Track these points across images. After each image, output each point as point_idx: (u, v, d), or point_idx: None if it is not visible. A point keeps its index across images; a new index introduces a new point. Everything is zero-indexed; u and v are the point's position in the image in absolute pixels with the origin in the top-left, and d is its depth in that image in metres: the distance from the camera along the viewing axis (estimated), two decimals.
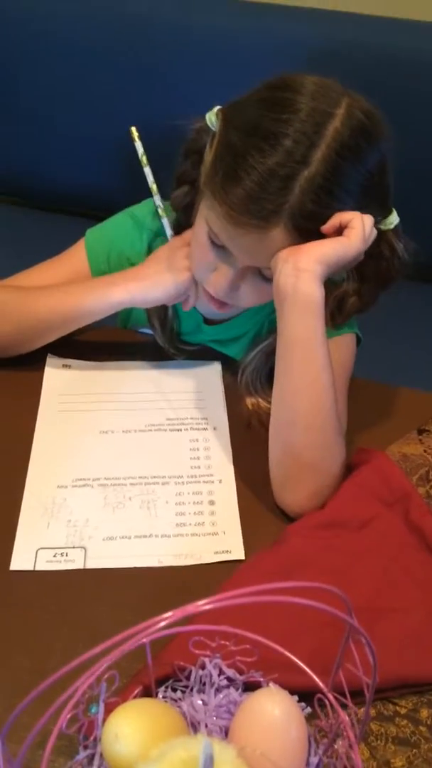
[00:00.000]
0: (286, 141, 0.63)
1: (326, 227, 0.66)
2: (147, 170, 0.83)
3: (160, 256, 0.81)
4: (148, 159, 0.82)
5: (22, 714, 0.38)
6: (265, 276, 0.71)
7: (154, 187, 0.83)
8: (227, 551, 0.68)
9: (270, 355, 0.81)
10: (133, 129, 0.82)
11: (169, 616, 0.33)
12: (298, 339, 0.68)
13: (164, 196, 0.84)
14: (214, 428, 0.80)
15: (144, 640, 0.44)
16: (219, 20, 1.30)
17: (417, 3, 1.31)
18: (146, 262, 0.82)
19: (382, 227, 0.70)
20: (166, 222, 0.83)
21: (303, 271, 0.65)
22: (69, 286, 0.82)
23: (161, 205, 0.83)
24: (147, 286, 0.79)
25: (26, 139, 1.45)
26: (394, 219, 0.71)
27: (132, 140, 0.82)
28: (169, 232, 0.83)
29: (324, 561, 0.63)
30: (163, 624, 0.33)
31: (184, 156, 0.76)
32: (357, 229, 0.65)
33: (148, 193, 0.86)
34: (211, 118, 0.72)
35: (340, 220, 0.65)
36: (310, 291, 0.65)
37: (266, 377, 0.82)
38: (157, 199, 0.83)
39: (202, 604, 0.32)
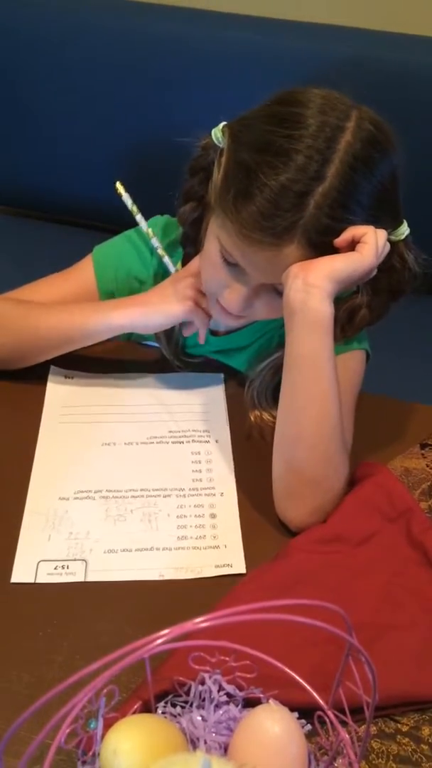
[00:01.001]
0: (298, 157, 0.63)
1: (339, 241, 0.65)
2: (139, 218, 0.85)
3: (165, 285, 0.82)
4: (138, 207, 0.85)
5: (20, 729, 0.38)
6: (279, 291, 0.71)
7: (150, 231, 0.85)
8: (228, 565, 0.67)
9: (278, 370, 0.81)
10: (119, 184, 0.83)
11: (166, 633, 0.33)
12: (306, 355, 0.67)
13: (170, 213, 0.84)
14: (216, 441, 0.80)
15: (143, 655, 0.44)
16: (221, 34, 1.31)
17: (412, 16, 1.32)
18: (151, 291, 0.83)
19: (393, 238, 0.70)
20: (167, 260, 0.84)
21: (313, 287, 0.64)
22: (72, 306, 0.83)
23: (160, 245, 0.85)
24: (148, 312, 0.80)
25: (30, 151, 1.46)
26: (404, 230, 0.71)
27: (118, 195, 0.84)
28: (171, 268, 0.84)
29: (325, 577, 0.63)
30: (160, 641, 0.33)
31: (191, 173, 0.76)
32: (370, 244, 0.65)
33: (152, 206, 0.87)
34: (217, 134, 0.72)
35: (353, 234, 0.65)
36: (320, 307, 0.65)
37: (272, 392, 0.82)
38: (155, 241, 0.85)
39: (200, 621, 0.32)
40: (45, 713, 0.37)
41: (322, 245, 0.65)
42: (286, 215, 0.63)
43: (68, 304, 0.84)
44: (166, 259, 0.84)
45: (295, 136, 0.64)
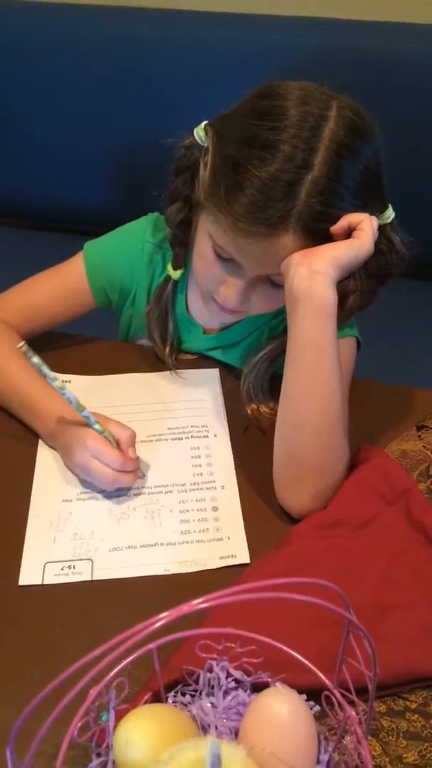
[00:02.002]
0: (284, 147, 0.64)
1: (336, 228, 0.66)
2: (51, 379, 0.72)
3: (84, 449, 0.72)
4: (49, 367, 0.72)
5: (33, 725, 0.38)
6: (275, 283, 0.72)
7: (56, 383, 0.72)
8: (233, 556, 0.68)
9: (272, 362, 0.82)
10: (22, 345, 0.70)
11: (164, 616, 0.34)
12: (310, 342, 0.68)
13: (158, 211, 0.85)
14: (215, 435, 0.81)
15: (151, 646, 0.45)
16: (203, 33, 1.32)
17: (389, 5, 1.32)
18: (77, 449, 0.73)
19: (380, 222, 0.71)
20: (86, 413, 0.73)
21: (317, 274, 0.65)
22: (32, 381, 0.79)
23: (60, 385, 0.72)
24: (62, 456, 0.76)
25: (17, 158, 1.47)
26: (390, 213, 0.72)
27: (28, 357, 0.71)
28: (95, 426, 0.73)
29: (327, 561, 0.64)
30: (159, 624, 0.34)
31: (176, 174, 0.77)
32: (367, 231, 0.66)
33: (144, 210, 0.87)
34: (200, 133, 0.73)
35: (349, 221, 0.66)
36: (325, 294, 0.66)
37: (268, 385, 0.83)
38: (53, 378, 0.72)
39: (197, 603, 0.33)
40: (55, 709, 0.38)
41: (317, 232, 0.66)
42: (278, 205, 0.64)
43: (29, 376, 0.79)
44: (86, 413, 0.72)
45: (279, 128, 0.65)
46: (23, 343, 0.70)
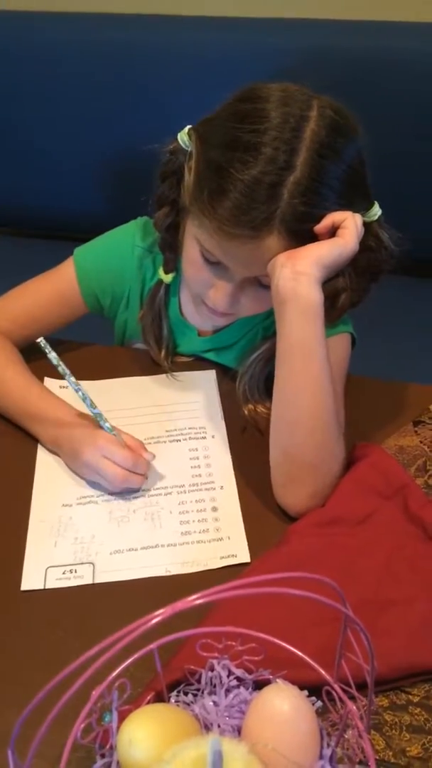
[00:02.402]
0: (266, 149, 0.64)
1: (319, 227, 0.67)
2: (67, 377, 0.73)
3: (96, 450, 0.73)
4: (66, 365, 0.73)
5: (36, 728, 0.39)
6: (263, 284, 0.72)
7: (70, 376, 0.73)
8: (233, 555, 0.69)
9: (267, 362, 0.82)
10: (40, 340, 0.73)
11: (160, 613, 0.34)
12: (298, 341, 0.69)
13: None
14: (213, 436, 0.82)
15: (152, 646, 0.45)
16: (202, 38, 1.32)
17: (376, 4, 1.33)
18: (88, 449, 0.74)
19: (367, 219, 0.71)
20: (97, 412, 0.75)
21: (302, 275, 0.66)
22: (39, 394, 0.81)
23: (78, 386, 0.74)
24: (67, 458, 0.77)
25: (9, 166, 1.47)
26: (376, 210, 0.72)
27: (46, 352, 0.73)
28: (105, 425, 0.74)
29: (327, 557, 0.64)
30: (155, 621, 0.34)
31: (161, 179, 0.77)
32: (350, 229, 0.66)
33: (134, 216, 0.88)
34: (183, 138, 0.73)
35: (332, 220, 0.66)
36: (310, 294, 0.67)
37: (264, 385, 0.83)
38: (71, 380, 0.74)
39: (193, 599, 0.34)
40: (64, 712, 0.38)
41: (301, 233, 0.67)
42: (261, 207, 0.65)
43: (35, 388, 0.81)
44: (97, 410, 0.74)
45: (260, 130, 0.65)
46: (41, 338, 0.73)
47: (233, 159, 0.65)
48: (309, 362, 0.69)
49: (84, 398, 0.73)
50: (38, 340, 0.73)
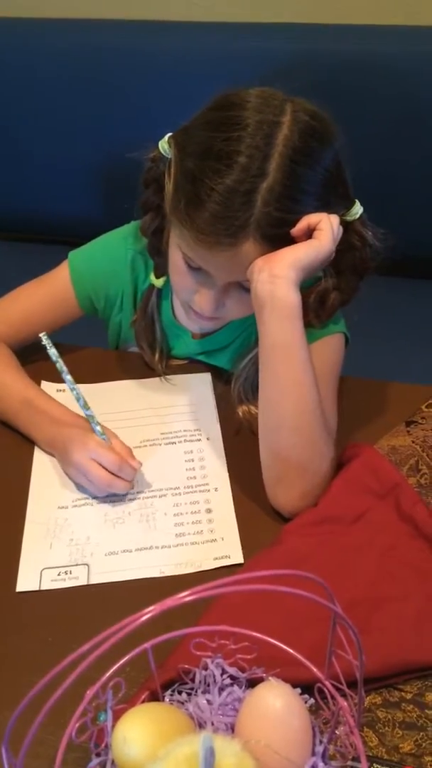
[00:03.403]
0: (240, 158, 0.65)
1: (296, 231, 0.67)
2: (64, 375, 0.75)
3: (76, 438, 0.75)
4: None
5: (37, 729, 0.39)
6: (246, 287, 0.73)
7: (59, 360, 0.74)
8: (227, 556, 0.69)
9: None
10: (42, 335, 0.74)
11: (150, 610, 0.35)
12: (278, 344, 0.69)
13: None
14: (208, 438, 0.82)
15: (146, 645, 0.46)
16: (197, 44, 1.32)
17: (363, 8, 1.34)
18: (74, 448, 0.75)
19: (348, 218, 0.72)
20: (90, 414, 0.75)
21: (278, 278, 0.67)
22: (34, 397, 0.81)
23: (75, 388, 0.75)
24: (59, 457, 0.78)
25: (2, 171, 1.48)
26: (357, 209, 0.73)
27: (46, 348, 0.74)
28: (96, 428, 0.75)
29: (320, 557, 0.65)
30: (145, 618, 0.34)
31: (145, 185, 0.78)
32: (326, 230, 0.67)
33: (129, 220, 0.89)
34: (164, 145, 0.74)
35: (308, 222, 0.67)
36: (287, 296, 0.67)
37: (258, 386, 0.84)
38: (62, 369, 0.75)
39: (183, 596, 0.34)
40: (59, 712, 0.39)
41: (277, 237, 0.67)
42: (237, 215, 0.65)
43: (30, 389, 0.82)
44: (90, 412, 0.75)
45: (234, 138, 0.65)
46: (44, 333, 0.74)
47: (207, 168, 0.66)
48: (290, 364, 0.69)
49: (78, 398, 0.74)
50: (41, 334, 0.74)
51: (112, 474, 0.73)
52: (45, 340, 0.74)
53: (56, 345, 0.91)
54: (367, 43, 1.26)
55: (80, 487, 0.76)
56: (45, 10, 1.41)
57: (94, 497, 0.75)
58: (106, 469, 0.73)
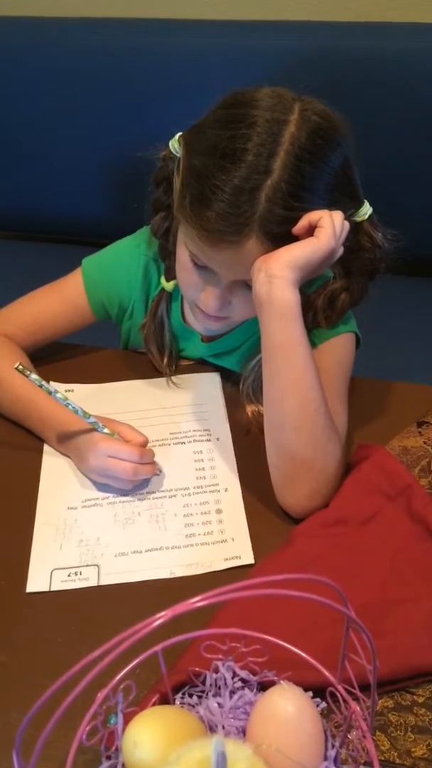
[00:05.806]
0: (247, 156, 0.64)
1: (297, 229, 0.67)
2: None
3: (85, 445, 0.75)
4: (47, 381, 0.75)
5: (42, 731, 0.39)
6: (251, 287, 0.73)
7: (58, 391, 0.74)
8: (237, 557, 0.69)
9: None
10: (17, 365, 0.73)
11: (161, 615, 0.34)
12: (278, 343, 0.69)
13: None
14: (217, 439, 0.82)
15: (156, 648, 0.46)
16: (204, 42, 1.32)
17: (368, 5, 1.33)
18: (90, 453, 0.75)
19: (357, 219, 0.71)
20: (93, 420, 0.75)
21: (275, 278, 0.66)
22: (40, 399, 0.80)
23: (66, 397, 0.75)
24: (76, 463, 0.78)
25: (12, 170, 1.48)
26: (367, 210, 0.72)
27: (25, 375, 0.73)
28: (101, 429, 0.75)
29: (331, 558, 0.64)
30: (157, 623, 0.34)
31: (155, 184, 0.78)
32: (326, 228, 0.66)
33: (141, 221, 0.88)
34: (174, 145, 0.74)
35: (309, 220, 0.66)
36: (284, 296, 0.67)
37: None
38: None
39: (195, 602, 0.34)
40: (70, 714, 0.38)
41: (280, 236, 0.67)
42: (241, 212, 0.65)
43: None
44: (92, 419, 0.75)
45: (240, 136, 0.65)
46: (18, 363, 0.73)
47: (213, 166, 0.66)
48: (291, 363, 0.69)
49: (75, 410, 0.74)
50: (15, 365, 0.73)
51: (134, 463, 0.73)
52: (21, 369, 0.72)
53: (68, 345, 0.91)
54: (377, 40, 1.25)
55: (94, 486, 0.76)
56: (48, 10, 1.41)
57: (104, 498, 0.75)
58: (127, 461, 0.73)
